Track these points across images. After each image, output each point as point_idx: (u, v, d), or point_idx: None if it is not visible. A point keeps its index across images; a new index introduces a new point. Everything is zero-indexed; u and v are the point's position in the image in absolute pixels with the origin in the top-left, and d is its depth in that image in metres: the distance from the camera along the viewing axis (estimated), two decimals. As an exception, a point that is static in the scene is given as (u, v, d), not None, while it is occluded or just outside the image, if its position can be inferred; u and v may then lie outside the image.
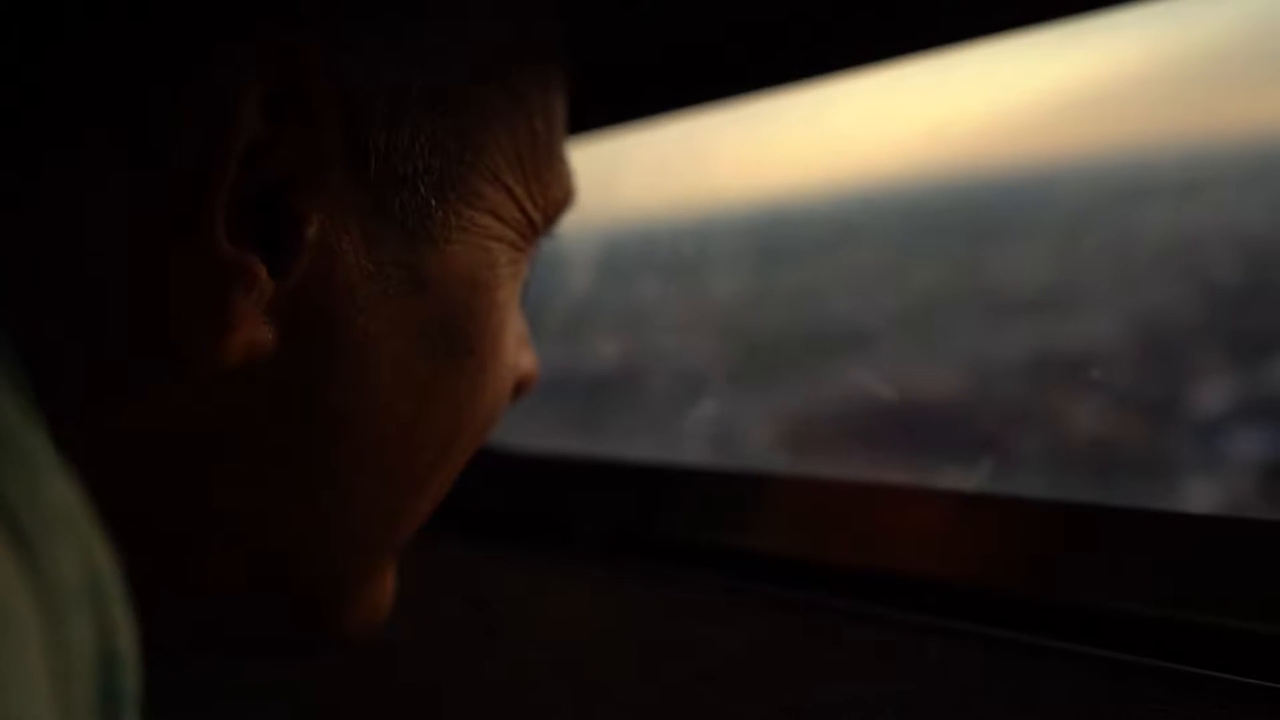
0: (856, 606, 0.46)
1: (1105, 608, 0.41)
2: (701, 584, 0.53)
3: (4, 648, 0.19)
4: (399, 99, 0.30)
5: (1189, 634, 0.39)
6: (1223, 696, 0.35)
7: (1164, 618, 0.40)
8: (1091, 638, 0.40)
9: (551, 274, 0.83)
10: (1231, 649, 0.37)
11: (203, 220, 0.26)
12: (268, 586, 0.32)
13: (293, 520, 0.31)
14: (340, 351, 0.30)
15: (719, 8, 0.54)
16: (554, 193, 0.36)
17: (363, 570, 0.35)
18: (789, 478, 0.55)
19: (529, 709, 0.51)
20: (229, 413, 0.29)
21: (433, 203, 0.31)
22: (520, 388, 0.40)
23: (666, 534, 0.58)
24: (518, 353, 0.40)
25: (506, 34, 0.33)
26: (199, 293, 0.27)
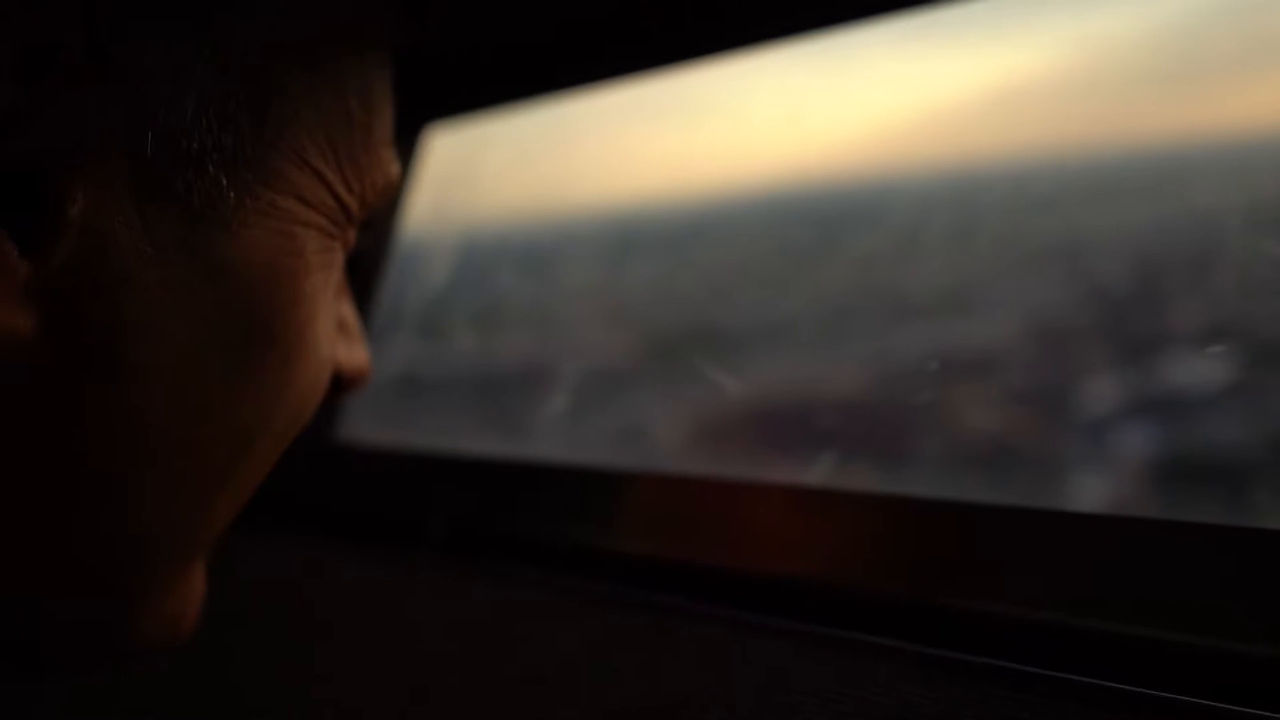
0: (696, 606, 0.45)
1: (948, 606, 0.42)
2: (544, 583, 0.52)
3: None
4: (180, 67, 0.28)
5: (1041, 634, 0.39)
6: (1078, 699, 0.35)
7: (1013, 616, 0.40)
8: (931, 637, 0.40)
9: (453, 271, 0.81)
10: (1088, 650, 0.38)
11: None
12: (48, 591, 0.30)
13: (72, 521, 0.29)
14: (115, 341, 0.28)
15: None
16: (372, 177, 0.35)
17: (156, 576, 0.33)
18: (641, 474, 0.54)
19: (342, 712, 0.50)
20: None
21: (224, 183, 0.29)
22: (347, 383, 0.39)
23: (513, 531, 0.57)
24: (341, 346, 0.38)
25: (310, 7, 0.32)
26: None
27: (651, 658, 0.43)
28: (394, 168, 0.36)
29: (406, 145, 0.76)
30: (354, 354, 0.39)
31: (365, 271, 0.76)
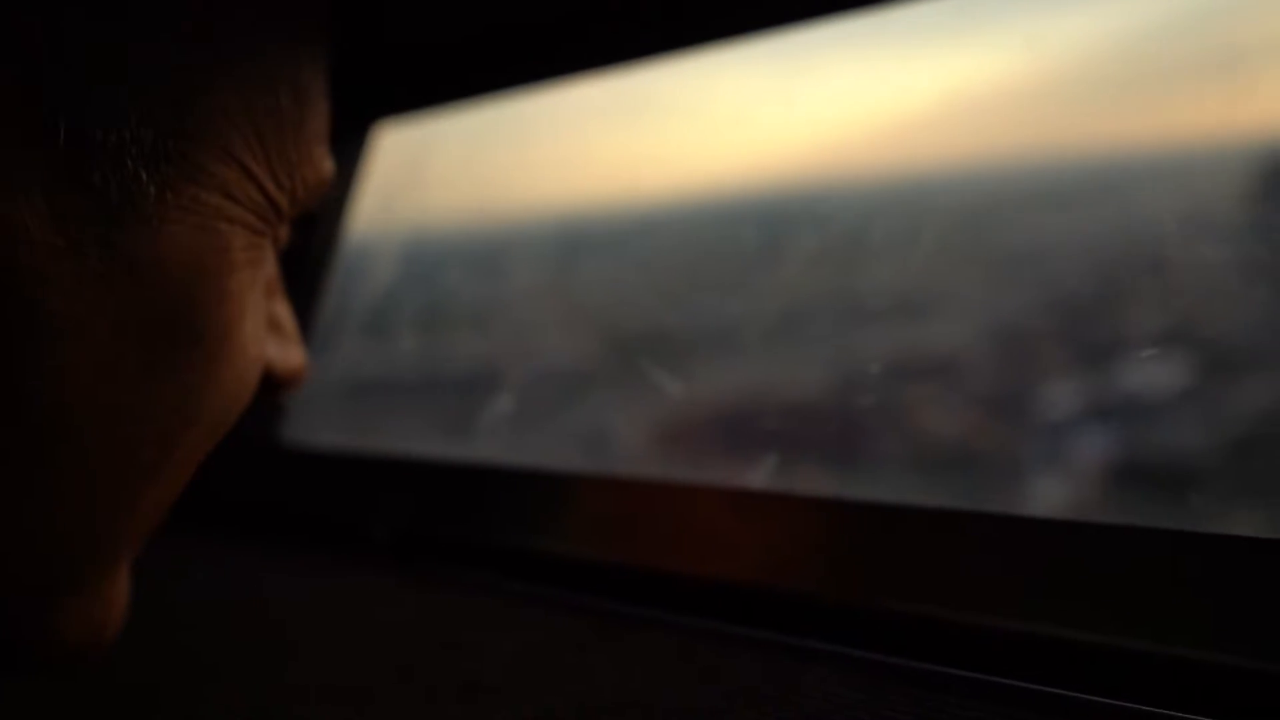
0: (639, 610, 0.45)
1: (885, 609, 0.42)
2: (487, 587, 0.51)
3: None
4: (93, 54, 0.27)
5: (980, 638, 0.39)
6: (1020, 705, 0.35)
7: (951, 620, 0.40)
8: (866, 640, 0.40)
9: (403, 271, 0.81)
10: (1031, 655, 0.38)
11: None
12: None
13: None
14: (24, 337, 0.27)
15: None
16: (304, 174, 0.34)
17: (79, 577, 0.32)
18: (586, 477, 0.54)
19: (280, 718, 0.49)
20: None
21: (144, 177, 0.28)
22: (282, 383, 0.38)
23: (457, 535, 0.57)
24: (274, 345, 0.37)
25: None
26: None
27: (591, 662, 0.43)
28: (327, 164, 0.36)
29: (355, 142, 0.76)
30: (289, 354, 0.38)
31: (311, 271, 0.75)
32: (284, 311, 0.39)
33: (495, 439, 0.68)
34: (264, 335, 0.36)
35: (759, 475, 0.59)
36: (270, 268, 0.37)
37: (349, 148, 0.76)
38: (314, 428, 0.72)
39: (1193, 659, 0.35)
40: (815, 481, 0.66)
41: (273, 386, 0.38)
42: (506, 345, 0.82)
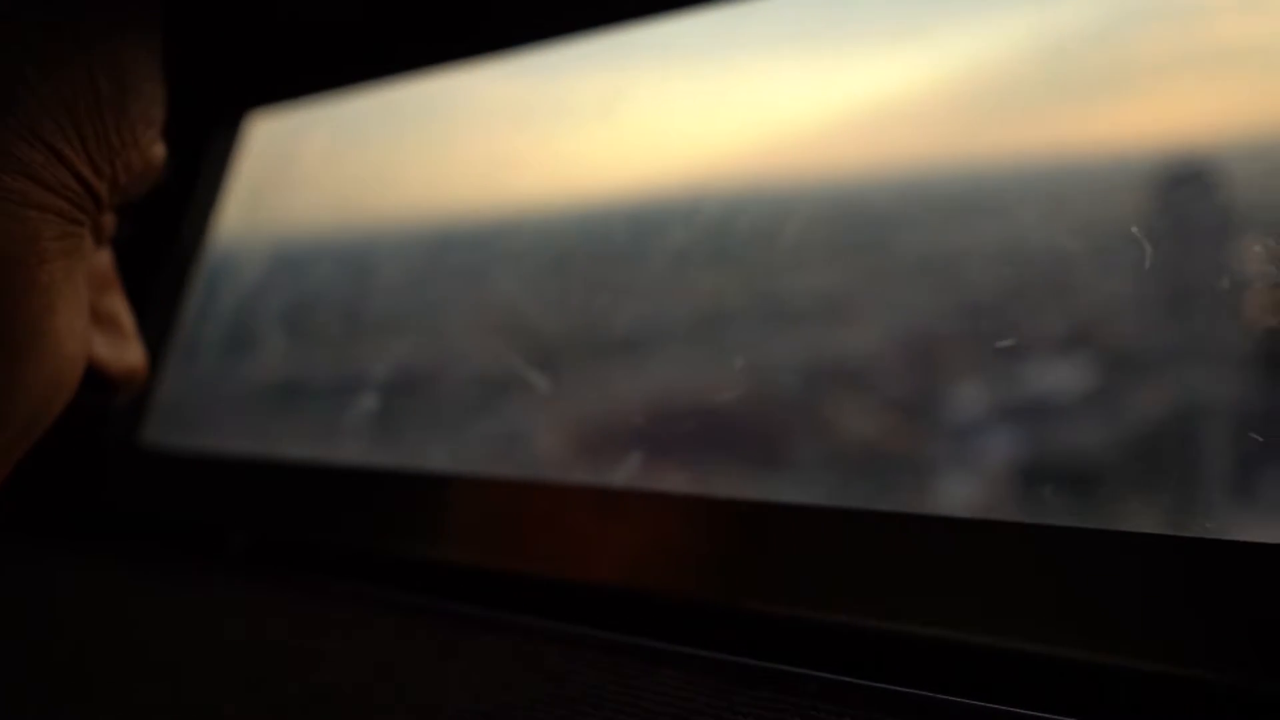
0: (495, 614, 0.44)
1: (743, 610, 0.41)
2: (346, 594, 0.50)
3: None
4: None
5: (842, 638, 0.39)
6: (865, 704, 0.35)
7: (809, 620, 0.40)
8: (721, 642, 0.40)
9: (326, 274, 0.79)
10: (886, 652, 0.38)
11: None
12: None
13: None
14: None
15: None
16: (127, 160, 0.32)
17: None
18: (449, 477, 0.53)
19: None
20: None
21: None
22: (116, 383, 0.36)
23: (318, 540, 0.55)
24: (105, 342, 0.36)
25: None
26: None
27: (444, 670, 0.42)
28: (156, 149, 0.34)
29: (225, 134, 0.73)
30: (125, 352, 0.37)
31: (178, 267, 0.73)
32: (120, 306, 0.37)
33: (363, 442, 0.67)
34: (86, 331, 0.34)
35: (668, 477, 0.59)
36: (98, 259, 0.35)
37: (219, 139, 0.74)
38: (180, 431, 0.69)
39: (1061, 657, 0.35)
40: (728, 483, 0.66)
41: (105, 386, 0.36)
42: (408, 349, 0.80)
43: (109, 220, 0.34)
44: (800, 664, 0.38)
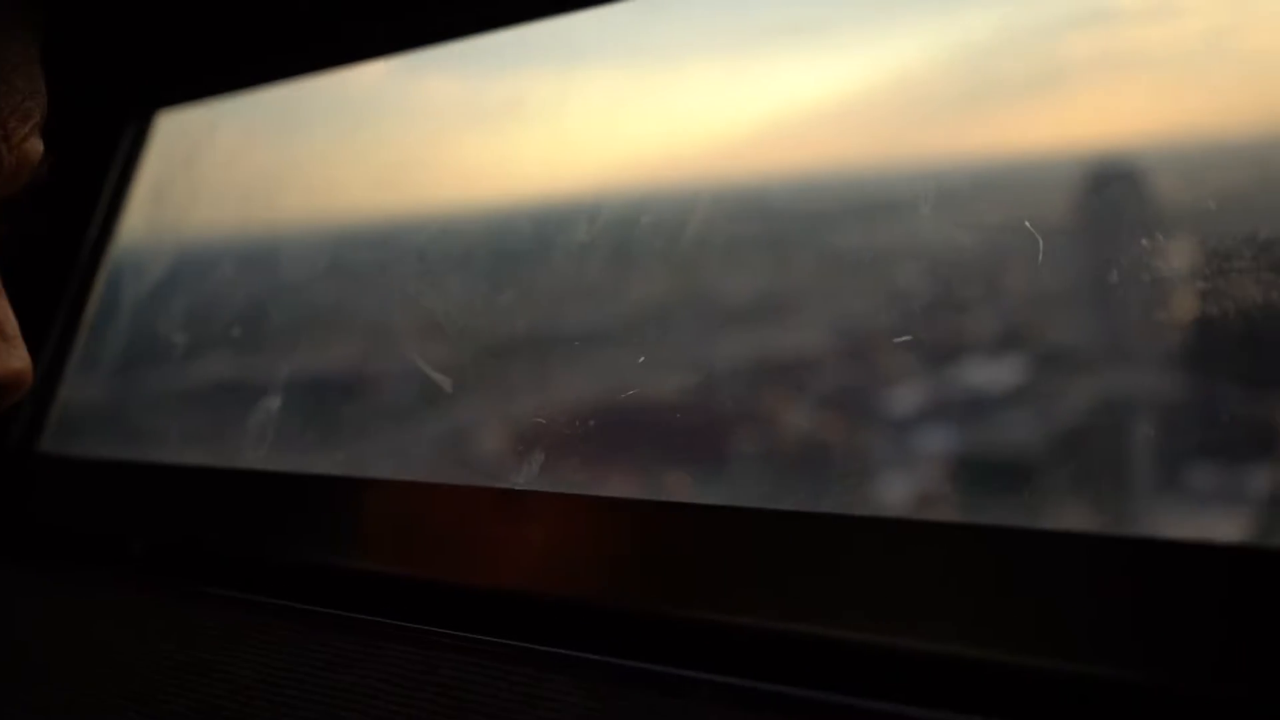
0: (392, 621, 0.43)
1: (641, 612, 0.40)
2: (243, 603, 0.48)
3: None
4: None
5: (733, 638, 0.38)
6: (757, 706, 0.34)
7: (712, 622, 0.39)
8: (623, 647, 0.39)
9: (228, 275, 0.77)
10: (787, 654, 0.37)
11: None
12: None
13: None
14: None
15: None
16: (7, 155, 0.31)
17: None
18: (352, 481, 0.52)
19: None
20: None
21: None
22: (1, 389, 0.34)
23: (220, 547, 0.54)
24: None
25: None
26: None
27: (335, 682, 0.41)
28: (29, 146, 0.32)
29: (133, 131, 0.71)
30: (8, 358, 0.35)
31: (83, 270, 0.71)
32: (2, 311, 0.35)
33: (266, 446, 0.65)
34: None
35: (606, 479, 0.58)
36: None
37: (127, 137, 0.72)
38: (79, 437, 0.67)
39: (966, 657, 0.35)
40: (663, 484, 0.65)
41: None
42: (325, 352, 0.78)
43: None
44: (702, 667, 0.37)
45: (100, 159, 0.70)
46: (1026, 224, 0.55)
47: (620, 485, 0.64)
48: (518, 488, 0.50)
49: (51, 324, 0.65)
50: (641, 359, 0.65)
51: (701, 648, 0.38)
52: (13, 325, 0.36)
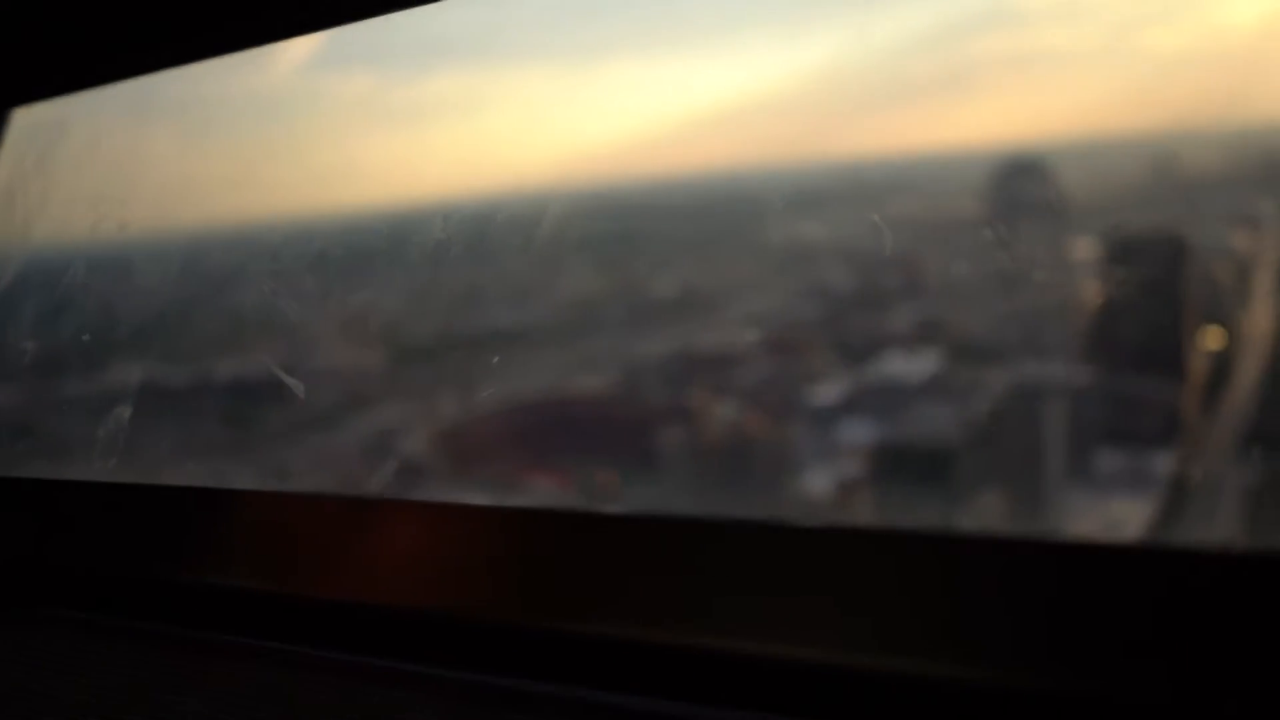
0: (236, 637, 0.40)
1: (491, 624, 0.38)
2: (84, 622, 0.45)
3: None
4: None
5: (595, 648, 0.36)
6: (606, 714, 0.32)
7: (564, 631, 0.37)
8: (467, 660, 0.37)
9: (79, 279, 0.72)
10: (652, 666, 0.35)
11: None
12: None
13: None
14: None
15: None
16: None
17: None
18: (202, 491, 0.48)
19: None
20: None
21: None
22: None
23: (67, 562, 0.50)
24: None
25: None
26: None
27: (172, 705, 0.38)
28: None
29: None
30: None
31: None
32: None
33: (112, 457, 0.62)
34: None
35: (563, 477, 0.56)
36: None
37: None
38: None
39: (842, 665, 0.33)
40: (610, 484, 0.64)
41: None
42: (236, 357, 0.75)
43: None
44: (559, 679, 0.35)
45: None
46: (874, 221, 0.54)
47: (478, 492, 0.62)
48: (367, 496, 0.47)
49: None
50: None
51: (559, 659, 0.36)
52: None
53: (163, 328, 0.71)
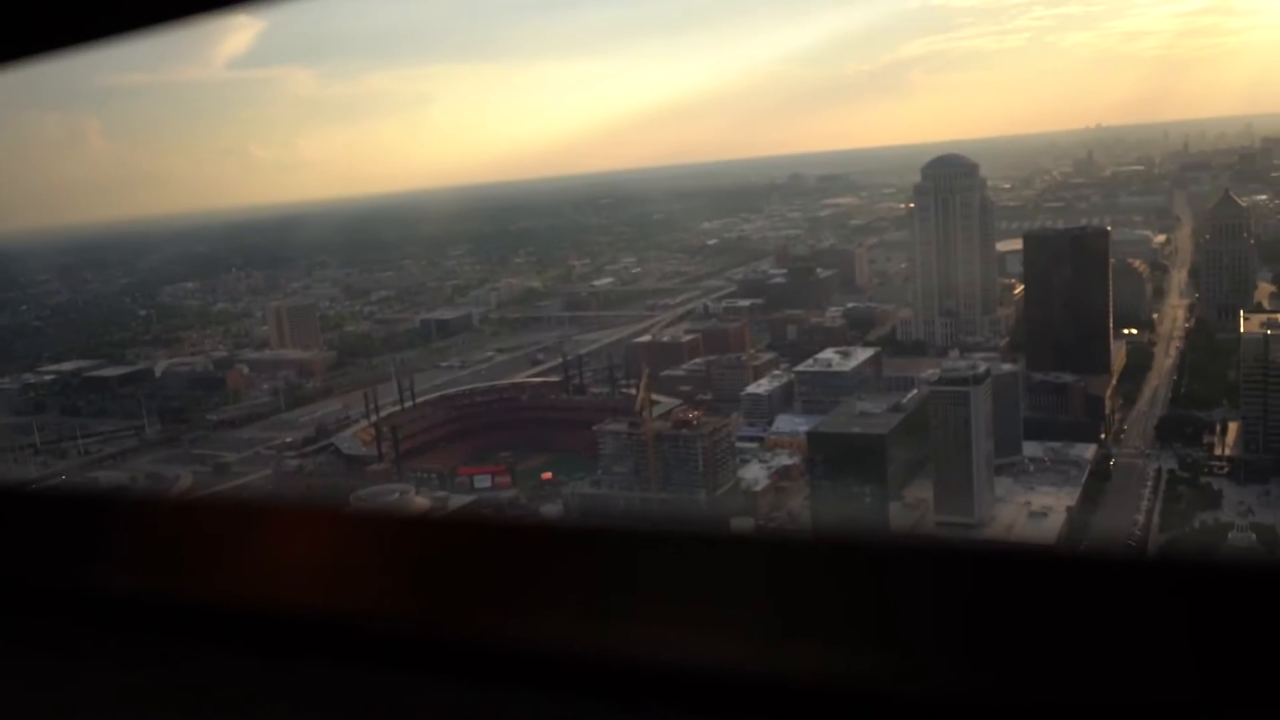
0: (99, 632, 0.38)
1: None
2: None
3: None
4: None
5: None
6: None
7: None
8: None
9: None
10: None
11: None
12: None
13: None
14: None
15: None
16: None
17: None
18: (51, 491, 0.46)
19: None
20: None
21: None
22: None
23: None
24: None
25: None
26: None
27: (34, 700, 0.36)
28: None
29: None
30: None
31: None
32: None
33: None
34: None
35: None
36: None
37: None
38: None
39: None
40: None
41: None
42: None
43: None
44: (453, 681, 0.34)
45: None
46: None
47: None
48: (254, 499, 0.45)
49: None
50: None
51: (447, 662, 0.35)
52: None
53: (65, 323, 0.68)
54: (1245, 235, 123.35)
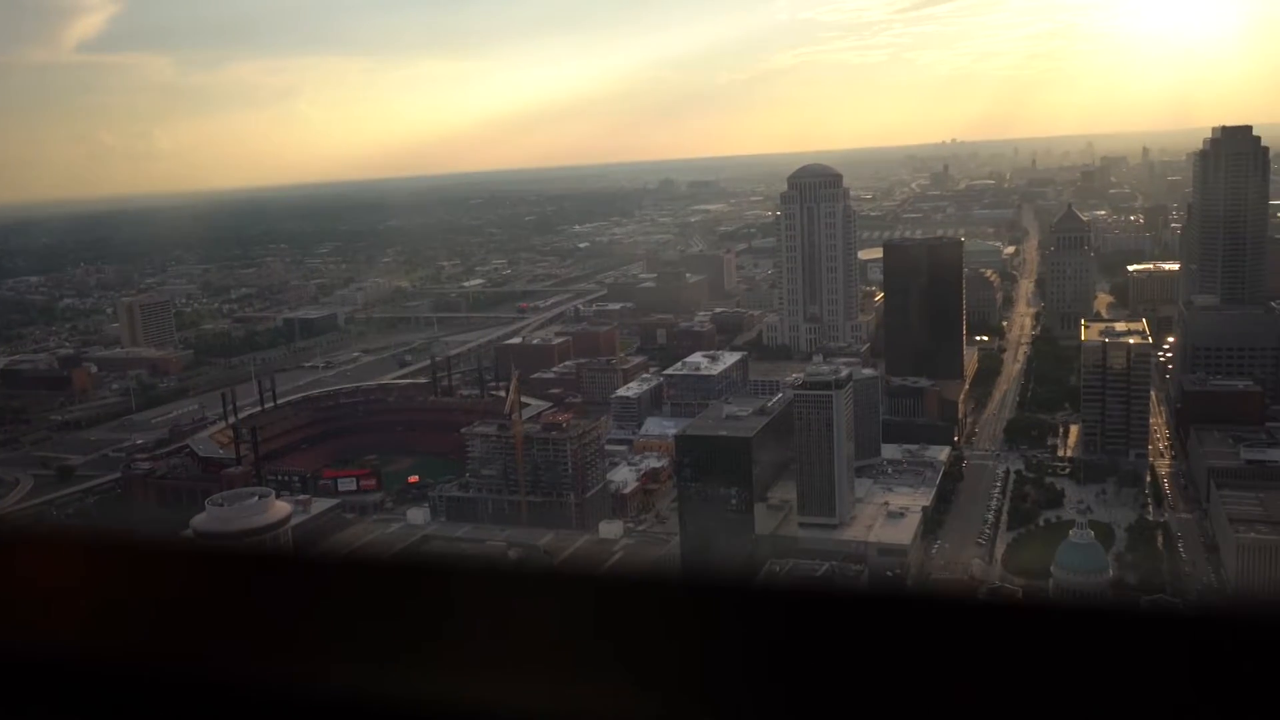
0: None
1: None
2: None
3: None
4: None
5: None
6: None
7: None
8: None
9: None
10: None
11: None
12: None
13: None
14: None
15: None
16: None
17: None
18: None
19: None
20: None
21: None
22: None
23: None
24: None
25: None
26: None
27: None
28: None
29: None
30: None
31: None
32: None
33: None
34: None
35: None
36: None
37: None
38: None
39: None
40: None
41: None
42: None
43: None
44: None
45: None
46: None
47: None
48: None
49: None
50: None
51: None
52: None
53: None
54: (1086, 248, 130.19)
